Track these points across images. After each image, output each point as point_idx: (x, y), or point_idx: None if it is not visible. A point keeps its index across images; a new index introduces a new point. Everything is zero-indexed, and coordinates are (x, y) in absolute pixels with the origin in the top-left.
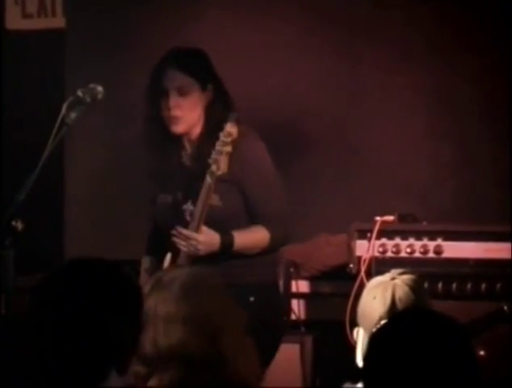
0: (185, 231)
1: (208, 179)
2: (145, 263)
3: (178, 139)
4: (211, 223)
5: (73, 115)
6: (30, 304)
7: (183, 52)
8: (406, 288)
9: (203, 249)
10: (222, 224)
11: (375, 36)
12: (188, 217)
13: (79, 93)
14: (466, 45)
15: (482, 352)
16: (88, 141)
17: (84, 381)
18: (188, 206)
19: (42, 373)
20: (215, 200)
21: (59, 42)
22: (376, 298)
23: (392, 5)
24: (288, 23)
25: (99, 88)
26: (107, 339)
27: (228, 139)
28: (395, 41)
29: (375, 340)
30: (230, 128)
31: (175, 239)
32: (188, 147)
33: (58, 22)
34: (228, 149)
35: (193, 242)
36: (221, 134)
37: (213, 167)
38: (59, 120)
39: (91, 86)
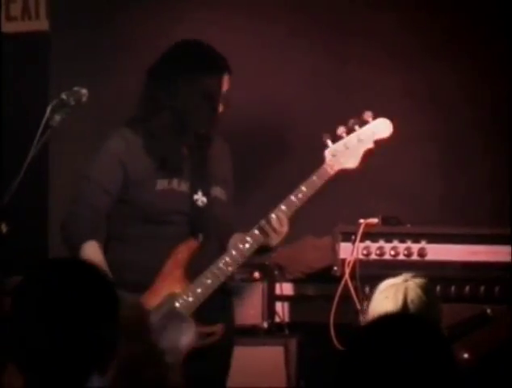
0: (286, 220)
1: (330, 168)
2: (93, 247)
3: (182, 130)
4: (218, 219)
5: (57, 117)
6: (10, 307)
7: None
8: (419, 291)
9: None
10: (224, 222)
11: (366, 37)
12: (201, 206)
13: (63, 96)
14: (459, 47)
15: (466, 355)
16: (72, 143)
17: (66, 382)
18: (200, 196)
19: (24, 375)
20: (223, 195)
21: (43, 44)
22: (389, 298)
23: (384, 6)
24: (276, 24)
25: (84, 91)
26: (86, 340)
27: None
28: (386, 42)
29: (352, 345)
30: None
31: (270, 225)
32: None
33: (42, 24)
34: (370, 145)
35: (282, 231)
36: (368, 128)
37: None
38: (43, 122)
39: (75, 88)
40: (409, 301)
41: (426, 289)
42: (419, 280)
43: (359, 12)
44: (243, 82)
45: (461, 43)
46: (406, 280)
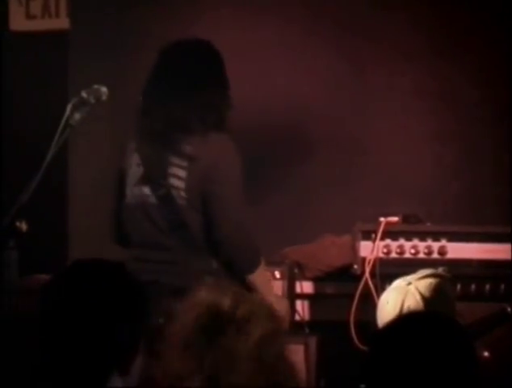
0: None
1: None
2: None
3: None
4: None
5: (77, 116)
6: (37, 306)
7: None
8: (418, 297)
9: None
10: None
11: (378, 37)
12: None
13: (83, 94)
14: (470, 47)
15: (486, 353)
16: (91, 142)
17: (87, 381)
18: None
19: (45, 374)
20: None
21: (63, 43)
22: (389, 303)
23: (395, 6)
24: (291, 23)
25: (103, 89)
26: (109, 340)
27: None
28: (399, 42)
29: (376, 343)
30: None
31: None
32: None
33: (62, 23)
34: None
35: None
36: None
37: None
38: (63, 121)
39: (95, 86)
40: (405, 307)
41: (427, 294)
42: (424, 283)
43: (372, 12)
44: (257, 81)
45: (475, 43)
46: (409, 283)
